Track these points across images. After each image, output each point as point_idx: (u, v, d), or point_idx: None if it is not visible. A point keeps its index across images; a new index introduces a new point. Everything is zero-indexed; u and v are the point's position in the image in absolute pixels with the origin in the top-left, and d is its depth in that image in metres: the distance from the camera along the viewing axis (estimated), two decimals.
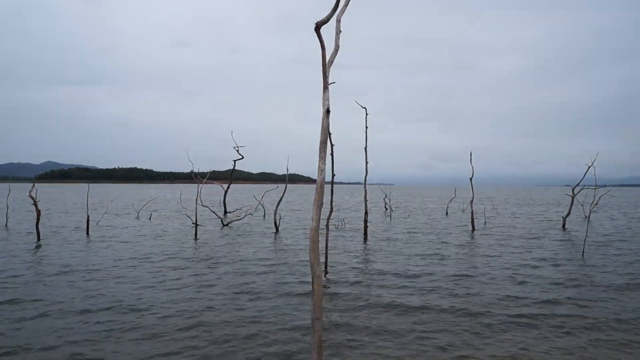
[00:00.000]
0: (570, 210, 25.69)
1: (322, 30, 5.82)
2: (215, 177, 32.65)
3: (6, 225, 23.72)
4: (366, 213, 20.85)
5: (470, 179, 23.64)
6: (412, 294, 9.93)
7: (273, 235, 21.01)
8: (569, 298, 9.58)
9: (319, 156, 5.77)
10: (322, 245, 13.42)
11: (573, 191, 24.63)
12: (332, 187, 14.17)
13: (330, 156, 13.67)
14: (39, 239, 18.06)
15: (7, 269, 12.31)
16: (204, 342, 7.03)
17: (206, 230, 22.89)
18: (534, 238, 20.06)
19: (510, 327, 7.72)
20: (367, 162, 19.91)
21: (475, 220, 23.75)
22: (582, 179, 23.06)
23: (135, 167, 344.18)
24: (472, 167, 23.07)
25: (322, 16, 5.87)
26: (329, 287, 10.61)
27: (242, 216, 27.82)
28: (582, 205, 23.64)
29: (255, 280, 11.37)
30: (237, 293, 10.03)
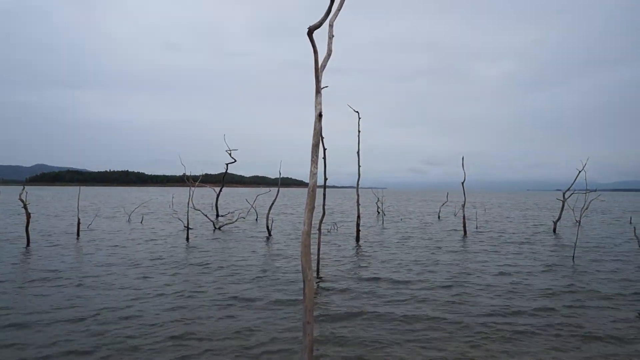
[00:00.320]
0: (561, 214, 25.91)
1: (315, 34, 5.85)
2: (207, 180, 32.59)
3: None
4: (358, 217, 20.88)
5: (462, 183, 23.75)
6: (403, 300, 9.86)
7: (265, 239, 20.95)
8: (560, 306, 9.47)
9: (311, 160, 5.78)
10: (314, 249, 13.43)
11: (564, 196, 24.83)
12: (324, 190, 14.18)
13: (322, 160, 13.70)
14: (28, 243, 17.87)
15: None
16: (192, 350, 6.96)
17: (198, 233, 22.77)
18: (525, 243, 20.17)
19: (503, 337, 7.58)
20: (359, 166, 19.97)
21: (467, 224, 23.84)
22: (572, 184, 23.26)
23: (127, 170, 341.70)
24: (464, 171, 23.19)
25: (314, 20, 5.89)
26: (320, 292, 10.58)
27: (234, 220, 27.74)
28: (573, 210, 23.80)
29: (246, 285, 11.31)
30: (227, 298, 9.96)
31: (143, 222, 29.30)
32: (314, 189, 5.72)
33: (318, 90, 5.95)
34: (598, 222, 33.02)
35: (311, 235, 5.68)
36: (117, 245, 18.00)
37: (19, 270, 12.84)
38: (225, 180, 36.87)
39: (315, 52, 5.91)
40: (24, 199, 18.54)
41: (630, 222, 32.03)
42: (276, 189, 23.50)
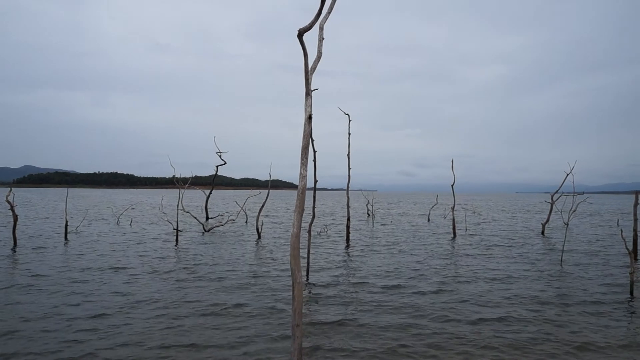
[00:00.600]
0: (549, 216, 26.16)
1: (305, 37, 5.85)
2: (197, 182, 32.44)
3: None
4: (348, 219, 20.89)
5: (452, 186, 23.87)
6: (393, 307, 9.75)
7: (255, 241, 20.87)
8: (551, 314, 9.40)
9: (301, 162, 5.77)
10: (303, 252, 13.39)
11: (552, 198, 25.07)
12: (314, 193, 14.14)
13: (312, 162, 13.68)
14: (15, 246, 17.61)
15: None
16: (181, 359, 6.89)
17: (187, 236, 22.62)
18: (514, 245, 20.31)
19: (494, 344, 7.51)
20: (349, 169, 20.01)
21: (456, 227, 23.95)
22: (560, 186, 23.49)
23: (116, 172, 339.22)
24: (454, 174, 23.30)
25: (304, 23, 5.89)
26: (310, 298, 10.54)
27: (224, 222, 27.61)
28: (561, 212, 24.03)
29: (235, 290, 11.24)
30: (216, 304, 9.88)
31: (132, 224, 29.04)
32: (303, 191, 5.71)
33: (308, 93, 5.95)
34: (586, 224, 33.37)
35: (300, 238, 5.66)
36: (105, 249, 17.79)
37: (3, 274, 12.62)
38: (215, 182, 36.71)
39: (305, 54, 5.91)
40: (11, 201, 18.30)
41: (618, 225, 32.42)
42: (266, 191, 23.45)
